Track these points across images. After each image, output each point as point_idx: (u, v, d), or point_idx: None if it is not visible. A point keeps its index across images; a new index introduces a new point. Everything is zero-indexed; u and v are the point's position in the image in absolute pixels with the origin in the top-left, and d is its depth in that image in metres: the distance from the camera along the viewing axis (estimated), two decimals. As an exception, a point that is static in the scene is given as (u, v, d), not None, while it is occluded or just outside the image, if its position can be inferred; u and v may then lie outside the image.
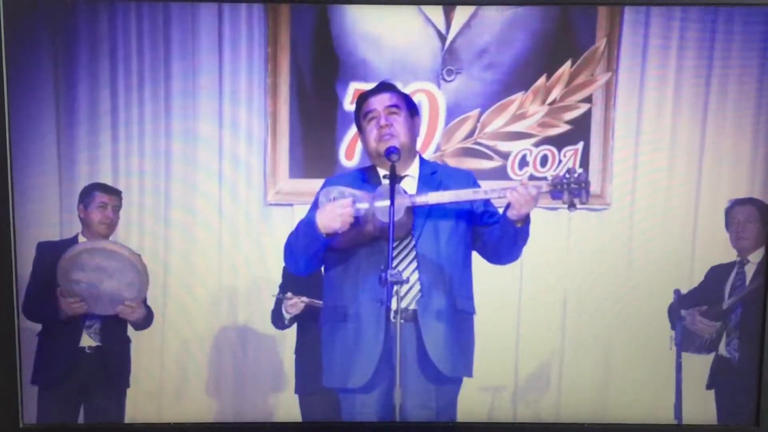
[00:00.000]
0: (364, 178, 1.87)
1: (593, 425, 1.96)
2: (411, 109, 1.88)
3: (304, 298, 1.93)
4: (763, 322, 1.92)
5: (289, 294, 1.93)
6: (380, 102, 1.86)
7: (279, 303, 1.95)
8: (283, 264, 1.92)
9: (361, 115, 1.87)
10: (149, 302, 1.93)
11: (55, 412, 1.94)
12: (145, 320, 1.92)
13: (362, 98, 1.87)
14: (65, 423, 1.93)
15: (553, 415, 1.97)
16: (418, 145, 1.91)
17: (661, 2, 1.82)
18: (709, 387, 1.97)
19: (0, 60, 1.79)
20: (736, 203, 1.91)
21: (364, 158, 1.91)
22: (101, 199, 1.89)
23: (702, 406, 1.96)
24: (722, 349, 1.95)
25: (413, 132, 1.88)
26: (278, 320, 1.95)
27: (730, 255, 1.93)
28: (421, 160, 1.89)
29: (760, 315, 1.92)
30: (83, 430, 1.94)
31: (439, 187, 1.85)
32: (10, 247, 1.84)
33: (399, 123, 1.86)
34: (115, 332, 1.94)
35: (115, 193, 1.89)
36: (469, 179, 1.89)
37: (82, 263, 1.90)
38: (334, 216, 1.81)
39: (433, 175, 1.88)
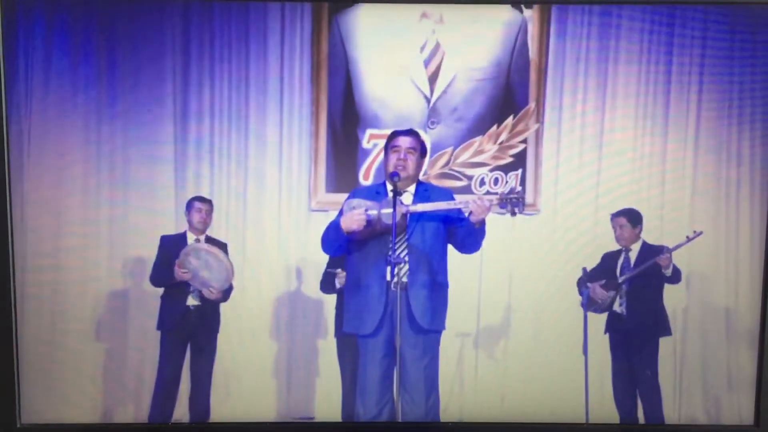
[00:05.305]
0: (378, 191, 2.24)
1: (593, 425, 2.20)
2: (423, 151, 2.22)
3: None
4: (762, 322, 2.02)
5: (339, 270, 2.30)
6: (404, 141, 2.18)
7: (331, 276, 2.29)
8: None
9: (389, 145, 2.20)
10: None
11: (168, 355, 2.30)
12: (221, 300, 2.30)
13: (394, 134, 2.20)
14: (62, 423, 1.95)
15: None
16: (415, 171, 2.18)
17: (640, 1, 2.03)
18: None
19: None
20: (613, 216, 2.31)
21: (377, 178, 2.28)
22: (198, 206, 2.31)
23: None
24: (616, 306, 2.34)
25: (419, 167, 2.22)
26: (329, 288, 2.31)
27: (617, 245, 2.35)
28: (418, 181, 2.25)
29: (760, 316, 2.08)
30: (79, 429, 1.97)
31: (428, 200, 2.19)
32: (7, 250, 1.96)
33: (412, 160, 2.19)
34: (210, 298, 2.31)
35: (207, 202, 2.31)
36: (448, 195, 2.23)
37: (198, 254, 2.32)
38: (352, 221, 2.15)
39: (425, 192, 2.23)
